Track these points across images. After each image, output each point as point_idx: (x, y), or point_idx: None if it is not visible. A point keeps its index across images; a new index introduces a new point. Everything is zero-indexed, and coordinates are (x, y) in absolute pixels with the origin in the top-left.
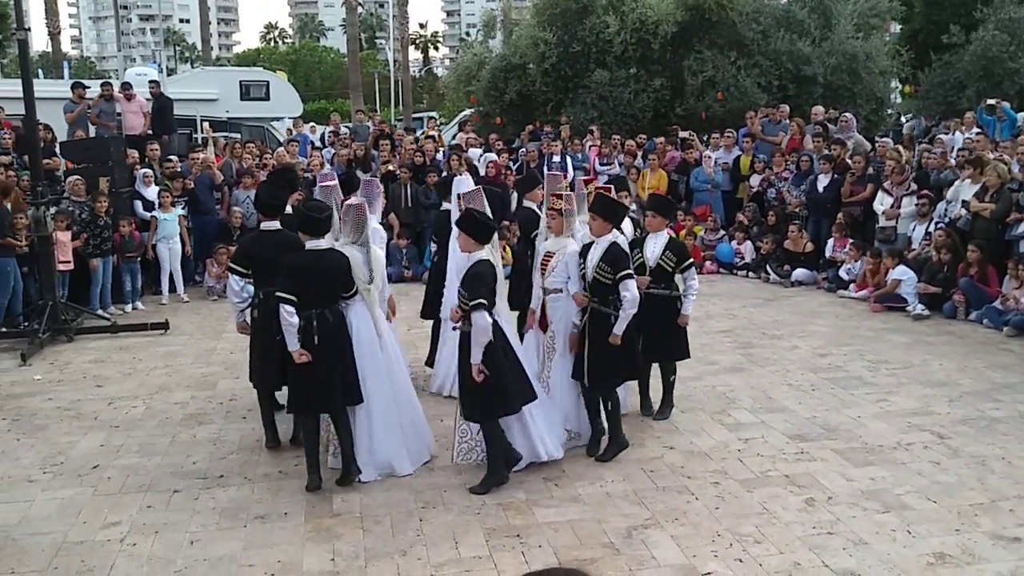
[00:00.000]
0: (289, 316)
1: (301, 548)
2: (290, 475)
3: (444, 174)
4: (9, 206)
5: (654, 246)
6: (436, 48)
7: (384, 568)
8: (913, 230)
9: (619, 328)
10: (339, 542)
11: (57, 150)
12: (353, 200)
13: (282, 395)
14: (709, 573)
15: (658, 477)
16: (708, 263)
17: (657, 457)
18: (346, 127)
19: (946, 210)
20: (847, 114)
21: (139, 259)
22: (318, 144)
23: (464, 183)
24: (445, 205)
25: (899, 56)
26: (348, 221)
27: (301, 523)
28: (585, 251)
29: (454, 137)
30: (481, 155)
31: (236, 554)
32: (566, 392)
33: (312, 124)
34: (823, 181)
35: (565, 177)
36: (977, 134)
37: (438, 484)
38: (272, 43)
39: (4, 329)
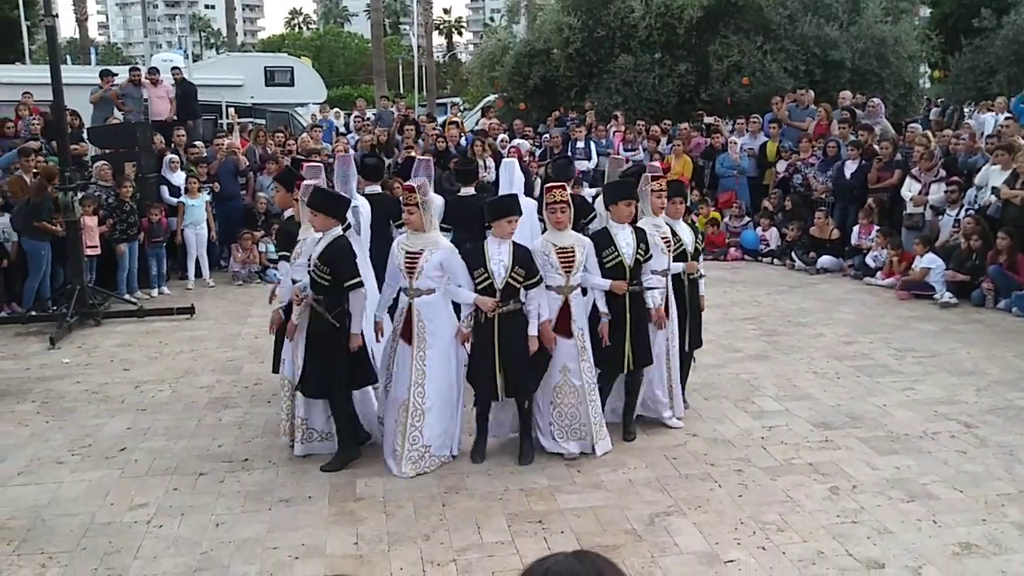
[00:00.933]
0: (365, 300)
1: (325, 531)
2: (314, 459)
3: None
4: (49, 190)
5: (684, 232)
6: (460, 34)
7: (407, 552)
8: (944, 215)
9: (659, 300)
10: (362, 526)
11: (84, 136)
12: (311, 182)
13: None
14: (732, 560)
15: (681, 464)
16: (733, 250)
17: (680, 444)
18: (372, 113)
19: (976, 197)
20: (875, 99)
21: (164, 244)
22: (343, 130)
23: (512, 166)
24: (464, 190)
25: (928, 40)
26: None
27: (325, 506)
28: (599, 239)
29: (477, 123)
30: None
31: (261, 537)
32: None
33: (336, 110)
34: (850, 167)
35: (627, 161)
36: (1007, 118)
37: (461, 470)
38: (296, 29)
39: (34, 313)
